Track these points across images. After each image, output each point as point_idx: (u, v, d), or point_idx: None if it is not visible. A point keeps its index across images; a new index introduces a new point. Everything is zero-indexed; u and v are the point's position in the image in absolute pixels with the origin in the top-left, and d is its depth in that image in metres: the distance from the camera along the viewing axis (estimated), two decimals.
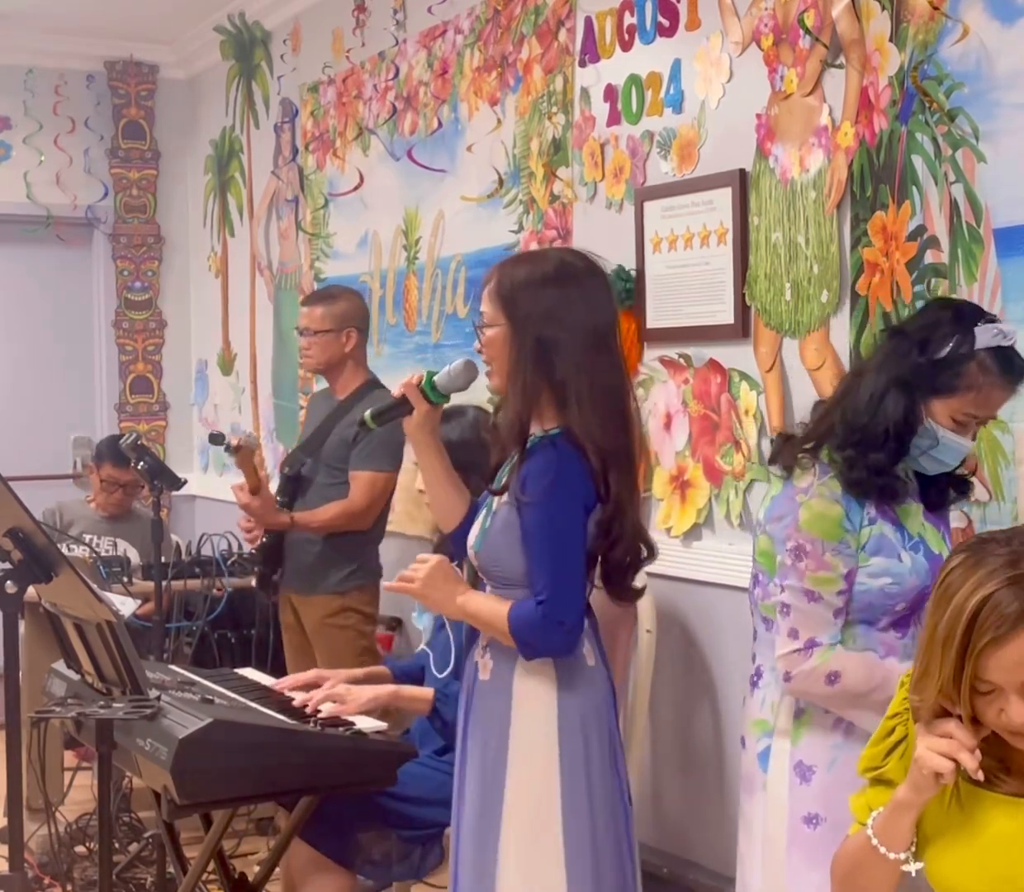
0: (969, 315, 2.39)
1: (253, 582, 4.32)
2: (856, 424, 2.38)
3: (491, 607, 2.56)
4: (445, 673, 2.64)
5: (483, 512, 2.64)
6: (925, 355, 2.36)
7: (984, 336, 2.34)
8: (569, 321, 2.53)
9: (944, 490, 2.50)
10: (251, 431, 4.27)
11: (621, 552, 2.59)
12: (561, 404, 2.54)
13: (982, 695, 1.75)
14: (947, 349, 2.34)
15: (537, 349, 2.52)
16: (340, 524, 4.10)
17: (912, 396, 2.36)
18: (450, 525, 2.76)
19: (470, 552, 2.64)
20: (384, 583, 2.67)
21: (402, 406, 2.70)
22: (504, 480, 2.57)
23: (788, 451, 2.46)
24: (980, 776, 1.77)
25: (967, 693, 1.74)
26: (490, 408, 3.93)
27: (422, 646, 3.07)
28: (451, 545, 2.79)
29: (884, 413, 2.36)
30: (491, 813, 2.57)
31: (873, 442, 2.36)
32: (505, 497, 2.56)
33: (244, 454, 4.02)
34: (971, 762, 1.76)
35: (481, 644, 2.65)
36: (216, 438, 4.12)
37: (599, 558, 2.59)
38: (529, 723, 2.56)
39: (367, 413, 2.76)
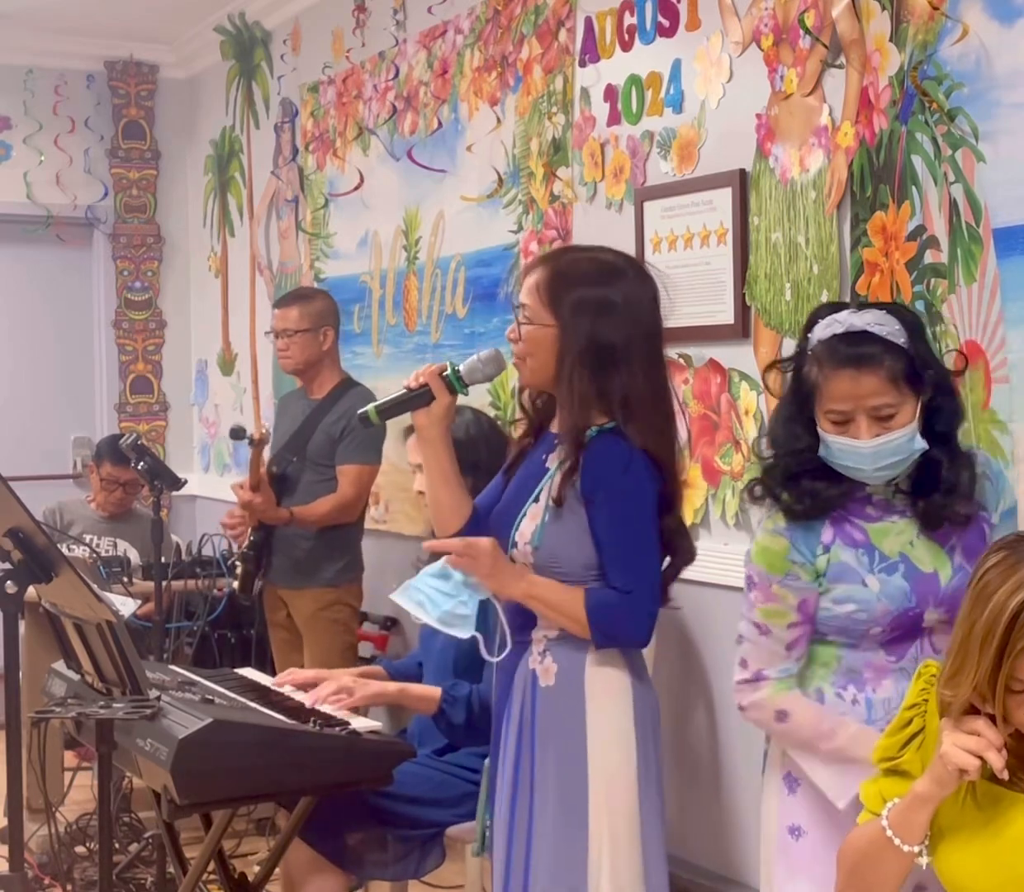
0: (816, 314, 2.35)
1: (235, 584, 4.30)
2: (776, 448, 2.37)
3: (561, 593, 2.49)
4: (501, 656, 2.55)
5: (531, 507, 2.54)
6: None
7: (818, 330, 2.29)
8: (620, 324, 2.48)
9: (939, 505, 2.29)
10: (267, 427, 4.33)
11: (680, 559, 2.60)
12: (611, 406, 2.50)
13: (1015, 694, 1.76)
14: (795, 355, 2.34)
15: (590, 353, 2.46)
16: (335, 517, 4.21)
17: (800, 408, 2.33)
18: (452, 527, 2.65)
19: (523, 549, 2.54)
20: (447, 557, 2.51)
21: (416, 398, 2.57)
22: (560, 476, 2.50)
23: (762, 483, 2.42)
24: (1005, 775, 1.78)
25: (1002, 692, 1.75)
26: (491, 412, 3.95)
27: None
28: None
29: (784, 432, 2.35)
30: (574, 813, 2.51)
31: (782, 460, 2.34)
32: (565, 492, 2.49)
33: (259, 448, 4.08)
34: (998, 761, 1.76)
35: (536, 650, 2.57)
36: (237, 432, 4.18)
37: None
38: (605, 718, 2.52)
39: (370, 407, 2.62)
